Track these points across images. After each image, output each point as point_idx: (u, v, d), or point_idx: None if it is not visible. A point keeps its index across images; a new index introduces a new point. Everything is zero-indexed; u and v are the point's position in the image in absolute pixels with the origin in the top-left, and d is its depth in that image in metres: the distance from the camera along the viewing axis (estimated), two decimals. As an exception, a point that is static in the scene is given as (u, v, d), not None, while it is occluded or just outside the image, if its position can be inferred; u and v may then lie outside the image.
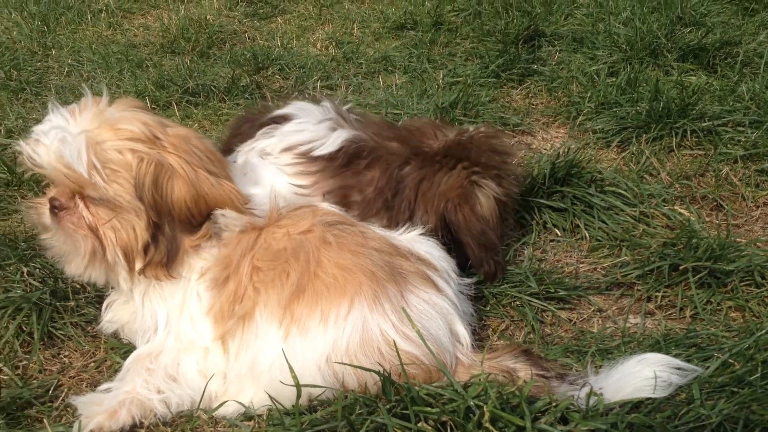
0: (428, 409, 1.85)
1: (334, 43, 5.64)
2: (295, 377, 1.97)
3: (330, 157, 2.70)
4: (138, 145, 2.12)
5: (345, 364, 2.00)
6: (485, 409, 1.81)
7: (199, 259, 2.25)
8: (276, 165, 2.67)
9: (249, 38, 5.93)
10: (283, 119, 2.86)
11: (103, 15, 6.41)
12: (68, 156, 2.06)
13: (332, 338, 2.04)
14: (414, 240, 2.38)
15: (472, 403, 1.84)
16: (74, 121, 2.13)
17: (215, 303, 2.20)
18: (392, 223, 2.63)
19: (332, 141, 2.73)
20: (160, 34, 5.92)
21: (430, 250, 2.37)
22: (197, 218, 2.21)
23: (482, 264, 2.65)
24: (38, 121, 4.00)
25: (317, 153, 2.71)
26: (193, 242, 2.22)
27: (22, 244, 2.92)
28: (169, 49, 5.57)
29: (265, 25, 6.28)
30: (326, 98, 3.06)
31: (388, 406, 1.89)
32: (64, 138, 2.06)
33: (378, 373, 1.95)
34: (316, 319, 2.06)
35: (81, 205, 2.17)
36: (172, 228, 2.20)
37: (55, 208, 2.19)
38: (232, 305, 2.17)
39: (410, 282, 2.18)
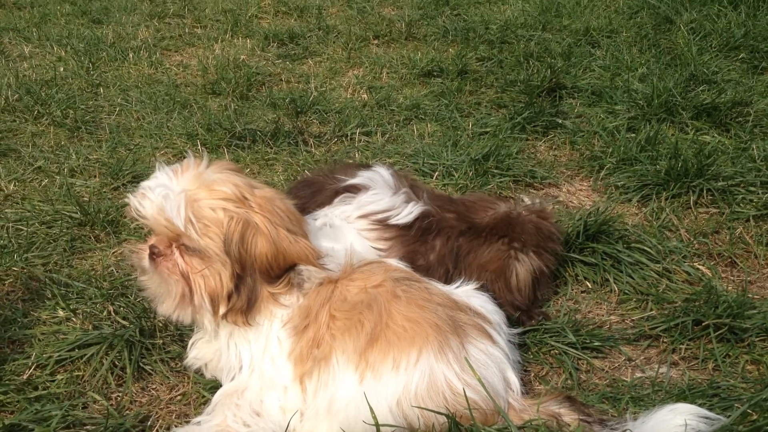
0: (491, 449, 2.14)
1: (365, 88, 5.96)
2: (374, 416, 2.26)
3: (405, 227, 3.06)
4: (229, 204, 2.43)
5: (417, 407, 2.29)
6: (542, 450, 2.10)
7: (279, 308, 2.54)
8: (354, 228, 2.99)
9: (284, 80, 6.26)
10: (356, 188, 3.21)
11: (142, 53, 6.74)
12: (169, 211, 2.37)
13: (403, 383, 2.33)
14: (469, 294, 2.68)
15: (529, 444, 2.13)
16: (176, 180, 2.43)
17: (296, 347, 2.49)
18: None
19: (407, 212, 3.09)
20: (199, 73, 6.25)
21: (483, 303, 2.66)
22: (275, 271, 2.50)
23: (516, 320, 3.00)
24: (100, 162, 4.38)
25: (393, 222, 3.06)
26: (272, 292, 2.52)
27: (105, 283, 3.22)
28: (211, 90, 5.89)
29: (297, 66, 6.62)
30: (385, 166, 3.40)
31: (456, 446, 2.18)
32: (167, 195, 2.38)
33: (447, 415, 2.24)
34: (388, 365, 2.35)
35: (177, 253, 2.47)
36: (253, 279, 2.49)
37: (154, 255, 2.49)
38: (311, 349, 2.47)
39: (469, 334, 2.47)
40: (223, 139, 4.82)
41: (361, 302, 2.45)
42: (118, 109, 5.44)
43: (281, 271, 2.52)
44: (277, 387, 2.51)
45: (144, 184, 2.47)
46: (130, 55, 6.66)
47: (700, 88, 5.42)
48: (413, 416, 2.32)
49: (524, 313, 3.05)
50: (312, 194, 3.24)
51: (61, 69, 6.28)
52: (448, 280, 2.96)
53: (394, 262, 2.66)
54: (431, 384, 2.33)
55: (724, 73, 5.80)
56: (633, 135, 4.81)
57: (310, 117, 5.34)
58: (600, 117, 5.22)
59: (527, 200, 3.35)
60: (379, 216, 3.08)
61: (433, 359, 2.35)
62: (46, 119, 5.14)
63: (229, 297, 2.48)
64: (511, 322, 2.84)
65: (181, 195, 2.38)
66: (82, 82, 5.96)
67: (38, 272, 3.34)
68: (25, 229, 3.70)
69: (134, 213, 2.47)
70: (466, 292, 2.67)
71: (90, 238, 3.68)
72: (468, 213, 3.19)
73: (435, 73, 6.23)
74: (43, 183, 4.25)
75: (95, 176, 4.33)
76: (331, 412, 2.41)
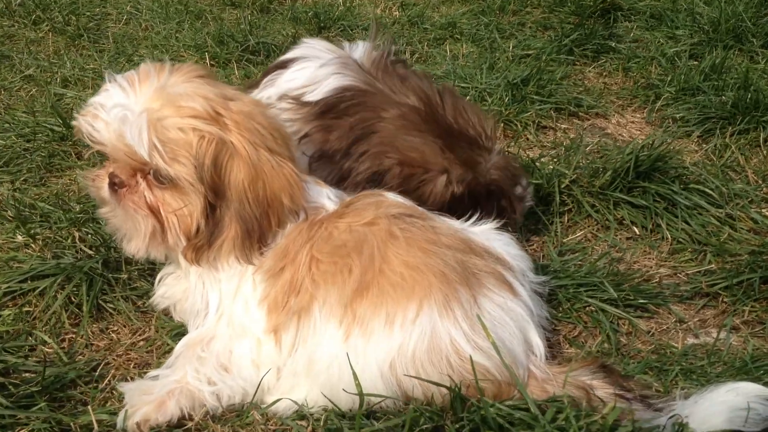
0: (501, 432, 1.70)
1: (398, 5, 5.43)
2: (358, 385, 1.83)
3: (316, 103, 2.58)
4: (199, 122, 1.96)
5: (412, 377, 1.85)
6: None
7: None
8: None
9: (311, -6, 5.74)
10: (286, 64, 2.74)
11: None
12: (129, 136, 1.91)
13: (397, 343, 1.88)
14: (489, 235, 2.21)
15: (550, 429, 1.68)
16: (135, 96, 1.96)
17: (269, 292, 2.05)
18: (342, 171, 2.49)
19: (322, 88, 2.60)
20: (222, -17, 5.76)
21: (506, 247, 2.19)
22: (252, 203, 2.05)
23: None
24: (95, 73, 3.94)
25: (307, 98, 2.59)
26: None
27: (76, 206, 2.82)
28: (230, 1, 5.41)
29: (328, -20, 6.07)
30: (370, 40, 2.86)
31: (457, 426, 1.74)
32: (125, 117, 1.91)
33: (448, 387, 1.80)
34: (380, 320, 1.90)
35: (143, 184, 2.03)
36: (222, 211, 2.05)
37: (115, 185, 2.05)
38: (287, 296, 2.03)
39: (484, 284, 2.01)
40: (234, 52, 4.34)
41: (350, 242, 1.99)
42: (125, 18, 4.99)
43: (261, 204, 2.06)
44: (248, 335, 2.08)
45: (94, 100, 2.01)
46: (149, -37, 6.17)
47: (775, 13, 4.78)
48: (409, 383, 1.88)
49: None
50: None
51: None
52: (340, 159, 2.48)
53: (392, 195, 2.19)
54: (433, 345, 1.89)
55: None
56: (696, 63, 4.28)
57: (333, 33, 4.84)
58: (659, 42, 4.65)
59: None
60: (296, 93, 2.61)
61: (436, 315, 1.90)
62: (47, 25, 4.70)
63: (197, 232, 2.05)
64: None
65: (142, 116, 1.92)
66: (93, -11, 5.51)
67: (2, 190, 2.93)
68: (2, 141, 3.29)
69: (87, 139, 2.02)
70: (485, 232, 2.20)
71: (70, 154, 3.27)
72: (441, 107, 2.56)
73: (477, -10, 5.65)
74: (31, 93, 3.84)
75: (89, 87, 3.90)
76: (311, 373, 1.99)
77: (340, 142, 2.52)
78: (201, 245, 2.05)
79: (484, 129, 2.60)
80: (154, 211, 2.04)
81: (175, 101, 1.96)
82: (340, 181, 2.49)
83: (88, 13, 4.99)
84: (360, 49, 2.80)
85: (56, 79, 3.99)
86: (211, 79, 2.09)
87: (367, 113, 2.54)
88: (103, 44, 4.55)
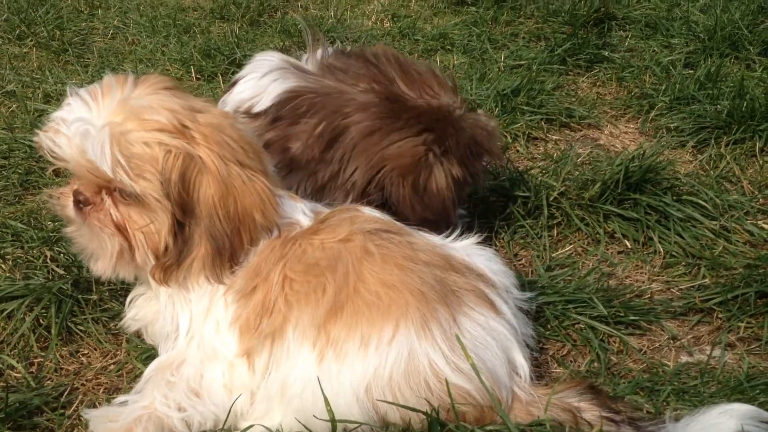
0: (480, 460, 1.61)
1: (389, 17, 5.36)
2: (330, 411, 1.74)
3: (265, 113, 2.50)
4: (165, 136, 1.87)
5: (388, 402, 1.76)
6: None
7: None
8: None
9: (302, 6, 5.67)
10: (240, 79, 2.68)
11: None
12: (91, 152, 1.83)
13: (373, 366, 1.79)
14: (470, 250, 2.12)
15: (531, 457, 1.59)
16: (97, 110, 1.88)
17: (241, 314, 1.96)
18: (320, 179, 2.42)
19: (267, 96, 2.52)
20: (212, -3, 5.70)
21: (488, 263, 2.10)
22: (223, 220, 1.96)
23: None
24: (79, 87, 3.87)
25: (255, 110, 2.52)
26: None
27: (49, 224, 2.73)
28: (219, 14, 5.35)
29: (319, -9, 6.02)
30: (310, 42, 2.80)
31: (434, 453, 1.65)
32: (87, 132, 1.82)
33: (425, 413, 1.70)
34: (355, 342, 1.81)
35: (108, 201, 1.94)
36: (191, 229, 1.96)
37: (80, 203, 1.97)
38: (260, 317, 1.93)
39: (464, 302, 1.91)
40: (220, 65, 4.27)
41: (323, 260, 1.90)
42: (112, 32, 4.92)
43: (232, 220, 1.97)
44: (220, 359, 1.99)
45: (55, 115, 1.92)
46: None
47: (771, 21, 4.70)
48: (386, 408, 1.79)
49: (432, 224, 2.31)
50: None
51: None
52: (325, 166, 2.40)
53: (368, 210, 2.10)
54: (410, 368, 1.80)
55: (800, 5, 5.06)
56: (691, 71, 4.20)
57: (322, 43, 4.75)
58: (654, 51, 4.57)
59: (480, 112, 2.65)
60: (246, 105, 2.54)
61: (413, 336, 1.81)
62: (31, 40, 4.63)
63: (165, 250, 1.96)
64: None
65: (104, 130, 1.83)
66: (81, 3, 5.44)
67: (-25, 209, 2.86)
68: (-22, 159, 3.22)
69: (48, 155, 1.94)
70: (466, 247, 2.11)
71: (48, 171, 3.18)
72: (395, 85, 2.48)
73: (469, 1, 5.60)
74: (11, 109, 3.76)
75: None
76: (286, 397, 1.90)
77: (310, 150, 2.43)
78: (169, 264, 1.96)
79: (446, 92, 2.54)
80: (121, 229, 1.95)
81: (139, 114, 1.88)
82: (317, 191, 2.43)
83: (74, 28, 4.92)
84: (306, 57, 2.72)
85: (38, 94, 3.91)
86: (178, 90, 2.01)
87: (328, 114, 2.43)
88: (88, 59, 4.48)
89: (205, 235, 1.94)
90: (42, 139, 1.92)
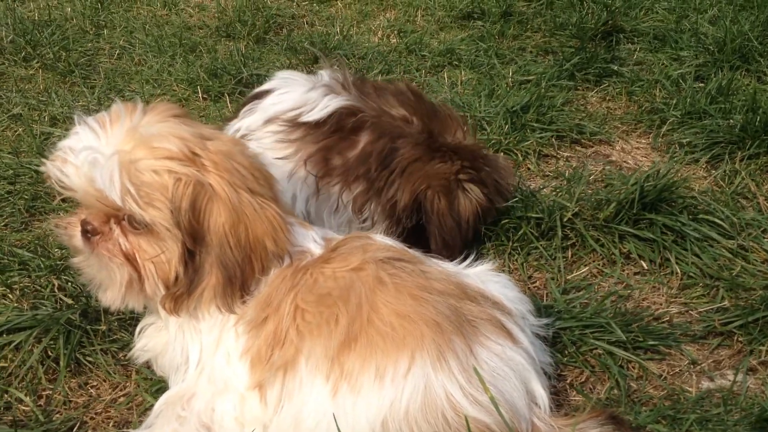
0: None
1: (396, 32, 5.33)
2: (346, 446, 1.69)
3: (317, 123, 2.57)
4: (175, 164, 1.84)
5: (405, 436, 1.71)
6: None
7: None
8: (257, 143, 2.55)
9: (307, 23, 5.65)
10: (266, 93, 2.73)
11: (158, -7, 6.18)
12: (100, 181, 1.79)
13: (389, 399, 1.75)
14: (484, 277, 2.08)
15: (554, 495, 1.54)
16: (106, 138, 1.84)
17: (252, 345, 1.92)
18: (368, 192, 2.55)
19: (322, 107, 2.60)
20: (216, 16, 5.68)
21: (503, 290, 2.06)
22: (234, 249, 1.93)
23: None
24: (84, 110, 3.84)
25: (304, 119, 2.58)
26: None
27: (56, 251, 2.70)
28: (225, 32, 5.31)
29: (325, 9, 5.98)
30: (328, 68, 2.90)
31: (453, 492, 1.60)
32: (95, 160, 1.79)
33: (442, 449, 1.66)
34: (370, 375, 1.77)
35: (117, 230, 1.91)
36: (202, 258, 1.92)
37: (88, 233, 1.93)
38: (271, 348, 1.89)
39: (481, 332, 1.87)
40: (227, 85, 4.24)
41: (335, 290, 1.87)
42: (118, 52, 4.88)
43: (243, 249, 1.94)
44: (232, 392, 1.95)
45: (63, 143, 1.89)
46: (145, -5, 6.10)
47: (782, 32, 4.65)
48: (404, 442, 1.74)
49: (452, 252, 2.54)
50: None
51: (69, 9, 5.73)
52: (369, 184, 2.52)
53: (380, 238, 2.06)
54: (427, 401, 1.76)
55: (810, 15, 5.01)
56: (701, 85, 4.14)
57: (329, 63, 4.72)
58: (663, 64, 4.52)
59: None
60: (289, 115, 2.58)
61: (429, 368, 1.77)
62: (37, 62, 4.60)
63: (176, 280, 1.92)
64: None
65: (113, 159, 1.79)
66: (86, 23, 5.40)
67: (-19, 236, 2.82)
68: (-16, 185, 3.19)
69: (56, 185, 1.90)
70: (480, 274, 2.07)
71: (55, 197, 3.14)
72: (435, 124, 2.69)
73: (475, 15, 5.54)
74: (18, 132, 3.74)
75: (77, 125, 3.78)
76: (299, 431, 1.84)
77: (356, 164, 2.56)
78: (180, 294, 1.92)
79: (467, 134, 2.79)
80: (130, 259, 1.91)
81: (149, 142, 1.84)
82: (353, 201, 2.58)
83: (80, 49, 4.89)
84: (327, 76, 2.83)
85: (44, 117, 3.88)
86: (186, 118, 1.98)
87: (378, 136, 2.58)
88: (94, 80, 4.45)
89: (216, 264, 1.90)
90: (50, 168, 1.89)
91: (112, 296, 1.97)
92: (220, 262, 1.91)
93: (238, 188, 1.92)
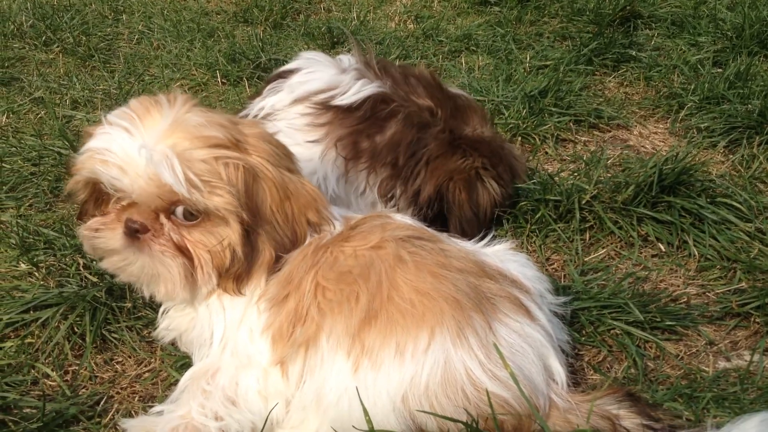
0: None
1: (412, 18, 5.34)
2: (369, 421, 1.72)
3: (349, 108, 2.59)
4: (223, 151, 1.87)
5: (426, 412, 1.74)
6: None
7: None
8: (285, 122, 2.57)
9: (324, 9, 5.67)
10: (290, 73, 2.74)
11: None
12: (166, 176, 1.79)
13: (409, 374, 1.77)
14: (503, 256, 2.10)
15: (572, 468, 1.57)
16: (145, 134, 1.82)
17: (274, 321, 1.95)
18: (394, 179, 2.60)
19: (355, 91, 2.62)
20: (234, 1, 5.72)
21: (522, 269, 2.08)
22: (281, 224, 1.97)
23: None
24: (105, 94, 3.88)
25: (336, 102, 2.59)
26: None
27: (80, 231, 2.74)
28: (242, 18, 5.35)
29: (342, -6, 6.01)
30: (355, 50, 2.90)
31: (473, 464, 1.63)
32: (151, 157, 1.80)
33: (464, 423, 1.69)
34: (390, 351, 1.79)
35: (168, 225, 1.91)
36: (255, 237, 1.96)
37: (136, 231, 1.92)
38: (293, 325, 1.92)
39: (499, 310, 1.90)
40: (245, 70, 4.27)
41: (356, 268, 1.89)
42: (137, 37, 4.93)
43: (289, 223, 1.99)
44: (254, 365, 1.98)
45: (97, 146, 1.85)
46: (162, -19, 6.14)
47: (802, 17, 4.63)
48: (423, 417, 1.77)
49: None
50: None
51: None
52: (396, 171, 2.57)
53: (399, 216, 2.09)
54: (447, 376, 1.78)
55: (831, 1, 4.99)
56: (720, 70, 4.15)
57: (346, 48, 4.75)
58: (681, 49, 4.52)
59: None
60: (319, 97, 2.60)
61: (449, 344, 1.79)
62: (57, 46, 4.66)
63: (231, 263, 1.95)
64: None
65: (169, 152, 1.80)
66: (105, 8, 5.45)
67: (7, 216, 2.86)
68: (9, 166, 3.23)
69: (109, 189, 1.88)
70: (499, 253, 2.09)
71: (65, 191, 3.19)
72: (457, 115, 2.77)
73: (492, 1, 5.56)
74: (40, 115, 3.78)
75: (98, 108, 3.84)
76: (321, 407, 1.88)
77: (384, 151, 2.60)
78: (240, 273, 1.95)
79: (485, 124, 2.86)
80: (183, 251, 1.93)
81: (195, 132, 1.86)
82: (377, 185, 2.63)
83: (100, 33, 4.94)
84: (350, 60, 2.85)
85: (65, 100, 3.93)
86: (203, 107, 2.00)
87: (407, 126, 2.62)
88: (114, 64, 4.50)
89: (268, 241, 1.95)
90: (100, 174, 1.84)
91: (166, 290, 1.97)
92: (272, 237, 1.96)
93: (278, 167, 1.96)
